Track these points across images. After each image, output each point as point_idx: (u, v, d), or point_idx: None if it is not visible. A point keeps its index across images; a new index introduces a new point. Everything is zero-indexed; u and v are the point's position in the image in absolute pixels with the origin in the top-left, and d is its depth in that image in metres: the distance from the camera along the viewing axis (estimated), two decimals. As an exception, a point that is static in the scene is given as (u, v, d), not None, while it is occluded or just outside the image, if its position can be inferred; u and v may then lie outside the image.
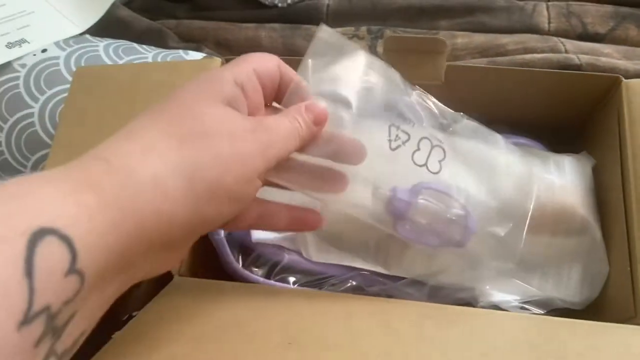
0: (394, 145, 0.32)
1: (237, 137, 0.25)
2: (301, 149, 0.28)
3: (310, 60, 0.30)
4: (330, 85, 0.30)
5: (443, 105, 0.36)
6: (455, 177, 0.34)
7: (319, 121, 0.28)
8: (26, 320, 0.18)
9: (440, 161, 0.33)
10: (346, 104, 0.30)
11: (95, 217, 0.21)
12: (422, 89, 0.35)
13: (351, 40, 0.61)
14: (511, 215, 0.36)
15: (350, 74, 0.31)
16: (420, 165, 0.33)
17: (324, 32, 0.31)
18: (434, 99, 0.35)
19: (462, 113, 0.36)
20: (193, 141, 0.24)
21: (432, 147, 0.33)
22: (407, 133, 0.32)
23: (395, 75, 0.33)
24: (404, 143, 0.32)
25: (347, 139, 0.30)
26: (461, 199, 0.34)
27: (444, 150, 0.34)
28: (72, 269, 0.20)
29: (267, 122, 0.26)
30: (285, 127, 0.27)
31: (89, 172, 0.22)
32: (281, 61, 0.29)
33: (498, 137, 0.37)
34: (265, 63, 0.28)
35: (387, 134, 0.32)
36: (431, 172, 0.33)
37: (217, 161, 0.24)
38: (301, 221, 0.31)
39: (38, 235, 0.19)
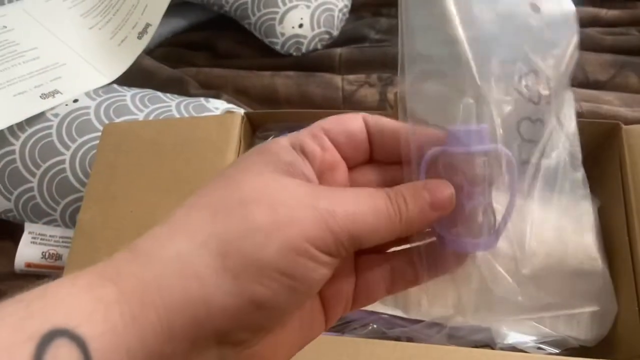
0: None
1: (280, 204, 0.20)
2: (408, 232, 0.22)
3: None
4: None
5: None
6: None
7: (438, 207, 0.22)
8: None
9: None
10: None
11: (112, 312, 0.18)
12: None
13: (362, 88, 0.64)
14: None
15: None
16: None
17: None
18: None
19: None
20: (227, 212, 0.20)
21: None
22: None
23: None
24: None
25: None
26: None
27: None
28: None
29: (338, 190, 0.22)
30: (367, 201, 0.21)
31: (112, 262, 0.19)
32: (371, 116, 0.24)
33: None
34: (338, 120, 0.24)
35: None
36: None
37: (253, 231, 0.20)
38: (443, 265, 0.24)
39: (47, 339, 0.16)
